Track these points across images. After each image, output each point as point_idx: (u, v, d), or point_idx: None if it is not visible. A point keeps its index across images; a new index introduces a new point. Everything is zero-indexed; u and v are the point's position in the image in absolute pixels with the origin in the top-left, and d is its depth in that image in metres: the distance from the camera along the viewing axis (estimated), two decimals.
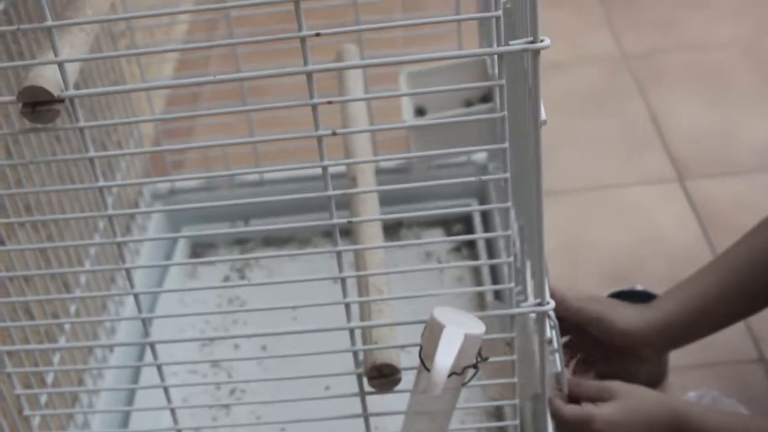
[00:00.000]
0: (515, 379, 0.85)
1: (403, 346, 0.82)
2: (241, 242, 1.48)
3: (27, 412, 0.90)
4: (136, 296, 0.80)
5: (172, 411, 0.88)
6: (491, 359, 0.77)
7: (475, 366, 0.75)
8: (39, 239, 1.09)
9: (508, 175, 0.72)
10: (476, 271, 1.36)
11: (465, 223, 1.46)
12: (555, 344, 0.86)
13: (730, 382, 1.28)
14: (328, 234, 1.45)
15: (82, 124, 0.68)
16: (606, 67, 1.98)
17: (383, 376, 0.81)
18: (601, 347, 1.09)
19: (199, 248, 1.48)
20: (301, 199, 0.74)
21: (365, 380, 0.83)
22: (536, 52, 0.67)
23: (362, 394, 0.85)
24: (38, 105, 0.67)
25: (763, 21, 2.07)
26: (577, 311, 1.06)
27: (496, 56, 0.69)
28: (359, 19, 1.30)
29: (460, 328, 0.72)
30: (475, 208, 1.45)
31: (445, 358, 0.71)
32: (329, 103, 0.66)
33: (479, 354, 0.75)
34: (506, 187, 0.74)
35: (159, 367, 0.84)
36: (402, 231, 1.46)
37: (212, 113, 0.68)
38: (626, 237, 1.54)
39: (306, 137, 0.68)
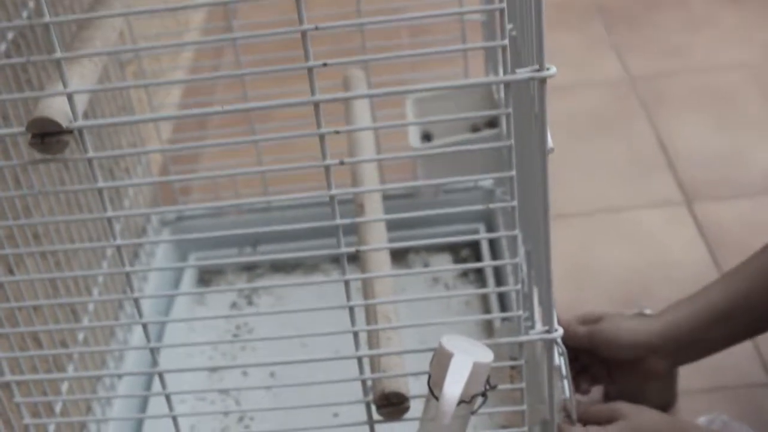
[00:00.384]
0: (524, 406, 0.85)
1: (411, 374, 0.82)
2: (249, 268, 1.48)
3: None
4: (144, 325, 0.80)
5: None
6: (500, 386, 0.77)
7: (483, 394, 0.74)
8: (47, 266, 1.09)
9: (515, 203, 0.72)
10: (484, 296, 1.36)
11: (472, 247, 1.46)
12: (563, 370, 0.86)
13: (741, 407, 1.27)
14: (336, 258, 1.44)
15: (91, 155, 0.69)
16: (612, 90, 1.98)
17: (392, 405, 0.81)
18: (608, 364, 1.10)
19: (207, 273, 1.48)
20: (310, 227, 0.74)
21: (374, 408, 0.82)
22: (543, 81, 0.68)
23: (371, 422, 0.85)
24: (47, 136, 0.67)
25: None
26: (586, 338, 1.07)
27: (502, 84, 0.69)
28: (365, 44, 1.30)
29: (468, 356, 0.72)
30: (482, 236, 1.44)
31: (453, 386, 0.71)
32: (336, 132, 0.67)
33: (488, 381, 0.75)
34: (513, 214, 0.74)
35: (168, 396, 0.84)
36: (409, 256, 1.46)
37: (220, 144, 0.69)
38: (633, 260, 1.54)
39: (314, 167, 0.68)
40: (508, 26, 0.82)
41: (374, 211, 1.01)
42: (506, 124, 0.70)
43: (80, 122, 0.68)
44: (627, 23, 2.20)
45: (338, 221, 0.72)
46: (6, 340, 0.92)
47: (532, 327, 0.86)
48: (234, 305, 1.42)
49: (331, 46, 1.01)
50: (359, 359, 0.82)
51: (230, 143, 0.70)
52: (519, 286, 0.80)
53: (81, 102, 0.70)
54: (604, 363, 1.10)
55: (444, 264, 1.44)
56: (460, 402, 0.71)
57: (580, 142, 1.83)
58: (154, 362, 0.83)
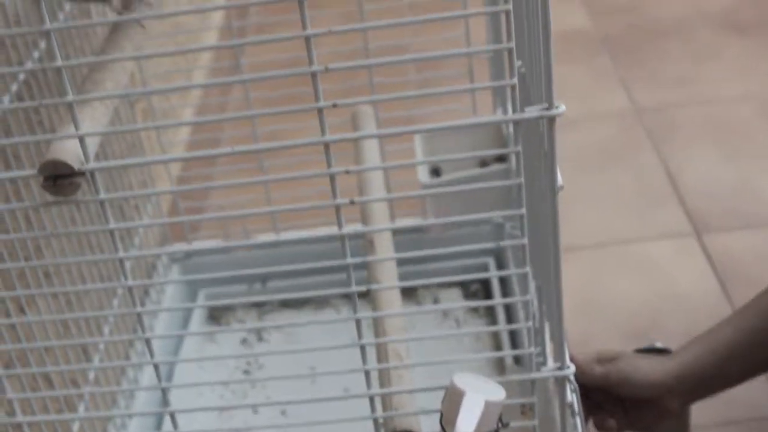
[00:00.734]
0: None
1: (423, 412, 0.82)
2: (258, 304, 1.48)
3: None
4: (155, 365, 0.80)
5: None
6: (512, 424, 0.77)
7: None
8: (58, 305, 1.09)
9: (525, 241, 0.72)
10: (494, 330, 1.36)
11: (482, 280, 1.46)
12: (576, 408, 0.86)
13: None
14: (346, 294, 1.44)
15: (102, 196, 0.69)
16: (619, 123, 1.98)
17: None
18: (622, 402, 1.09)
19: (217, 309, 1.48)
20: (320, 261, 0.75)
21: None
22: (552, 119, 0.68)
23: None
24: (59, 178, 0.68)
25: None
26: (603, 378, 1.07)
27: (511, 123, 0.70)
28: (373, 81, 1.31)
29: (480, 395, 0.72)
30: (493, 273, 1.44)
31: (465, 425, 0.70)
32: (347, 172, 0.67)
33: (500, 419, 0.75)
34: (524, 252, 0.74)
35: None
36: (419, 290, 1.45)
37: (229, 185, 0.69)
38: (644, 293, 1.54)
39: (324, 207, 0.69)
40: (517, 63, 0.82)
41: (384, 246, 1.01)
42: (516, 162, 0.70)
43: (92, 164, 0.68)
44: (633, 55, 2.21)
45: (349, 260, 0.72)
46: (17, 380, 0.92)
47: (544, 363, 0.86)
48: (244, 341, 1.41)
49: (340, 83, 1.01)
50: (371, 397, 0.82)
51: (239, 183, 0.70)
52: (530, 323, 0.80)
53: (93, 144, 0.71)
54: (618, 400, 1.09)
55: (454, 298, 1.44)
56: None
57: (588, 174, 1.83)
58: (165, 402, 0.83)
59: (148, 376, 1.27)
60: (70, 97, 0.65)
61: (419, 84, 1.54)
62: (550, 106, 0.67)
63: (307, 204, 0.70)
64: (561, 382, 0.83)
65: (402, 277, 1.01)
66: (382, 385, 0.84)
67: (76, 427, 1.05)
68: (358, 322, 0.78)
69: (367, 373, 0.81)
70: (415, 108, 1.41)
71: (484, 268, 1.44)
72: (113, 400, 1.20)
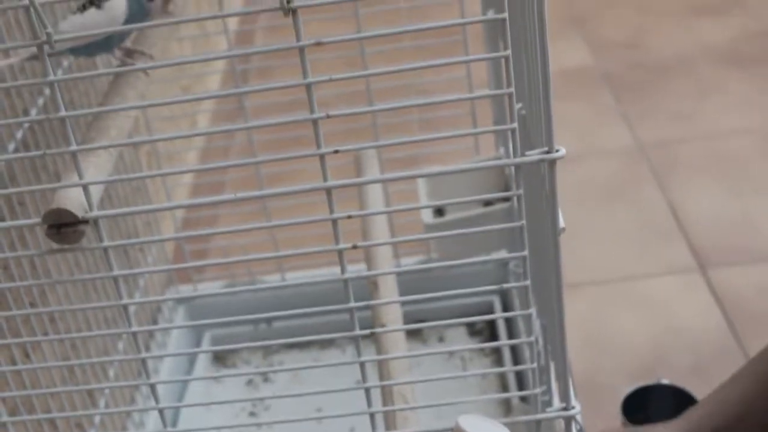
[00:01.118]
0: None
1: None
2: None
3: None
4: (160, 411, 0.80)
5: None
6: None
7: None
8: (63, 349, 1.09)
9: (528, 282, 0.72)
10: (500, 365, 1.36)
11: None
12: None
13: None
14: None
15: (106, 243, 0.69)
16: (622, 158, 1.99)
17: None
18: None
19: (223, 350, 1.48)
20: (324, 302, 0.75)
21: None
22: (552, 162, 0.68)
23: None
24: (63, 226, 0.68)
25: None
26: None
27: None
28: (376, 122, 1.32)
29: None
30: (497, 315, 1.44)
31: None
32: (349, 217, 0.67)
33: None
34: (527, 294, 0.74)
35: None
36: (424, 329, 1.45)
37: (233, 231, 0.69)
38: (649, 329, 1.53)
39: (327, 251, 0.69)
40: (517, 106, 0.83)
41: (388, 287, 1.02)
42: (517, 205, 0.70)
43: (96, 212, 0.68)
44: (634, 91, 2.22)
45: (352, 304, 0.73)
46: (23, 425, 0.92)
47: (550, 404, 0.86)
48: (250, 382, 1.41)
49: (343, 124, 1.02)
50: None
51: (243, 229, 0.70)
52: (535, 365, 0.80)
53: (97, 191, 0.71)
54: None
55: (459, 335, 1.44)
56: None
57: (591, 210, 1.83)
58: None
59: (153, 419, 1.27)
60: (74, 147, 0.66)
61: (422, 124, 1.55)
62: (550, 150, 0.67)
63: (311, 249, 0.70)
64: (567, 422, 0.83)
65: (407, 314, 1.01)
66: (387, 427, 0.84)
67: None
68: (362, 365, 0.78)
69: (372, 416, 0.81)
70: (417, 148, 1.42)
71: (489, 304, 1.44)
72: None
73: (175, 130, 1.62)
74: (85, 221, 0.68)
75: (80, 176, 0.67)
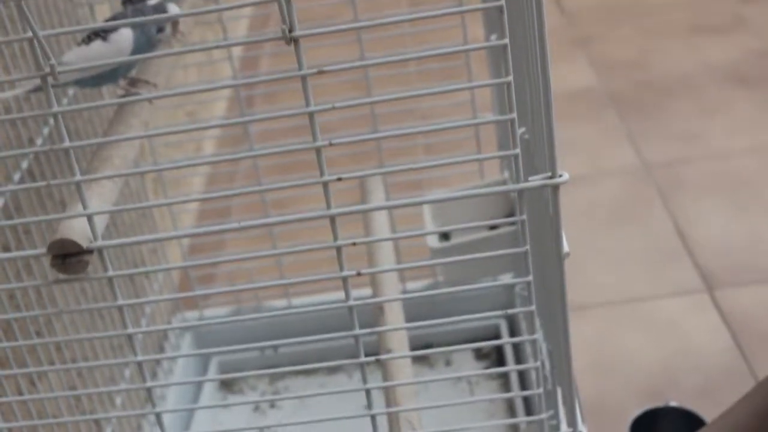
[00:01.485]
0: None
1: None
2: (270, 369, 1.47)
3: None
4: None
5: None
6: None
7: None
8: (69, 377, 1.09)
9: (533, 307, 0.72)
10: (507, 388, 1.35)
11: (493, 339, 1.45)
12: None
13: None
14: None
15: (111, 273, 0.69)
16: (628, 179, 1.99)
17: None
18: None
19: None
20: (330, 325, 0.75)
21: None
22: (555, 187, 0.68)
23: None
24: (68, 256, 0.68)
25: None
26: None
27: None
28: (380, 146, 1.32)
29: None
30: (504, 341, 1.44)
31: None
32: (353, 244, 0.67)
33: None
34: (532, 318, 0.74)
35: None
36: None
37: (238, 258, 0.69)
38: (657, 351, 1.53)
39: (332, 278, 0.69)
40: (520, 130, 0.83)
41: (394, 312, 1.02)
42: (521, 230, 0.70)
43: (100, 242, 0.68)
44: (640, 111, 2.22)
45: (357, 332, 0.72)
46: None
47: (557, 429, 0.85)
48: (257, 408, 1.41)
49: (347, 149, 1.02)
50: None
51: (249, 257, 0.71)
52: (541, 390, 0.80)
53: (101, 220, 0.71)
54: None
55: (465, 358, 1.44)
56: None
57: (597, 231, 1.83)
58: None
59: None
60: (78, 177, 0.66)
61: (426, 147, 1.55)
62: (554, 175, 0.67)
63: (315, 276, 0.70)
64: None
65: (413, 338, 1.00)
66: None
67: None
68: (368, 392, 0.78)
69: None
70: (422, 172, 1.42)
71: (496, 327, 1.44)
72: None
73: (181, 155, 1.63)
74: (90, 251, 0.69)
75: (84, 206, 0.68)
